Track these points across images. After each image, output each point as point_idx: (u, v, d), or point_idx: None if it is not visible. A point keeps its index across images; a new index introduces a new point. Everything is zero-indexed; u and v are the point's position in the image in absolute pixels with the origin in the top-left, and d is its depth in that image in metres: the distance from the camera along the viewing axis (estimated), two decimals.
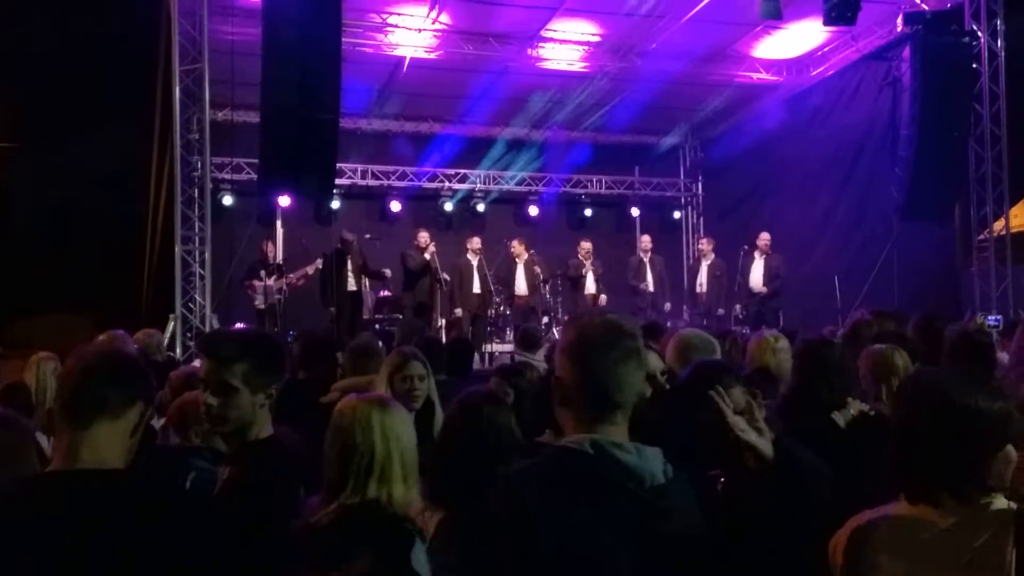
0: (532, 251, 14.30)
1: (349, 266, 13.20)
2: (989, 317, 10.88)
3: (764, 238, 13.71)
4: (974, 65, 12.15)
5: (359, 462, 2.65)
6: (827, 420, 3.67)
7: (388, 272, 13.54)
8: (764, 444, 2.36)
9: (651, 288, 14.52)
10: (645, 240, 15.11)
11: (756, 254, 13.72)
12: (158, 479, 2.43)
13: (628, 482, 1.99)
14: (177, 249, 10.71)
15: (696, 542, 2.06)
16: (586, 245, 14.64)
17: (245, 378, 2.70)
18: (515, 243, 14.31)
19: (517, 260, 14.18)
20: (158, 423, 4.23)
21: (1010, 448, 2.09)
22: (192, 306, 10.80)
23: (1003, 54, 12.21)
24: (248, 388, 2.69)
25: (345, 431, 2.70)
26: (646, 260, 14.71)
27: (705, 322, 13.93)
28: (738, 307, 13.98)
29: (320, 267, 13.20)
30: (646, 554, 1.97)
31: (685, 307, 15.22)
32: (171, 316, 10.59)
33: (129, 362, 2.42)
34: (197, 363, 7.09)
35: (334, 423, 2.75)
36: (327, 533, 2.58)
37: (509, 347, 12.04)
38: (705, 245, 14.83)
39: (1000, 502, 2.06)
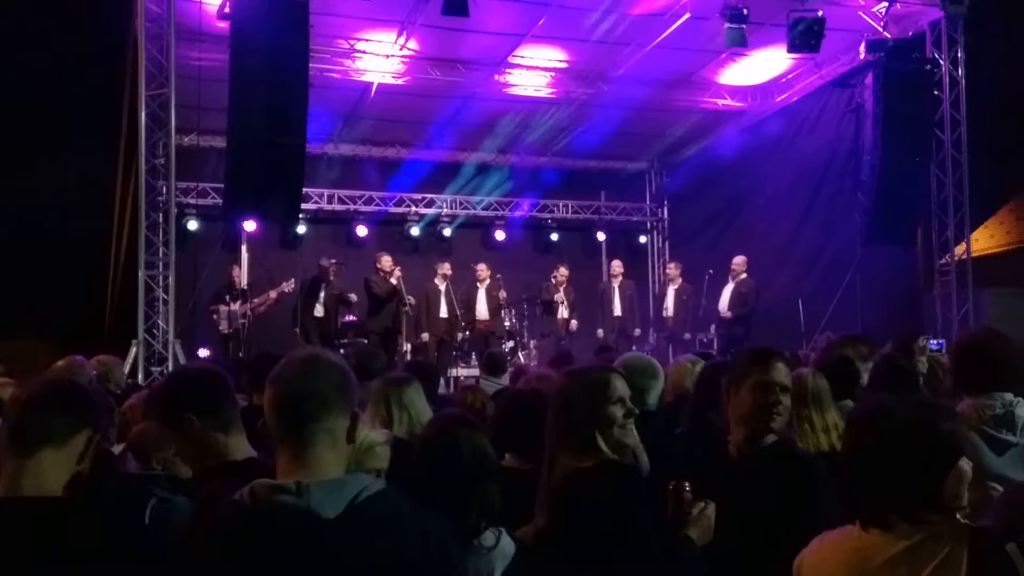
0: (499, 276, 14.30)
1: (322, 293, 13.17)
2: (931, 341, 11.01)
3: (736, 261, 13.69)
4: (935, 92, 12.36)
5: None
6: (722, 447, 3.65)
7: (354, 297, 13.51)
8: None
9: (619, 313, 14.55)
10: (615, 265, 15.15)
11: (730, 277, 13.76)
12: (106, 507, 2.39)
13: (286, 525, 1.90)
14: (140, 274, 10.57)
15: (389, 568, 1.95)
16: (563, 271, 14.66)
17: (158, 416, 2.86)
18: (481, 267, 14.31)
19: (479, 284, 14.18)
20: (117, 449, 4.15)
21: (963, 463, 2.11)
22: (155, 331, 10.67)
23: (964, 81, 12.43)
24: (164, 421, 2.79)
25: None
26: (615, 285, 14.74)
27: (671, 347, 13.99)
28: (712, 328, 14.05)
29: (284, 292, 13.17)
30: None
31: (651, 331, 15.25)
32: (134, 341, 10.45)
33: (76, 390, 2.43)
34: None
35: None
36: None
37: (474, 371, 12.01)
38: (673, 270, 14.88)
39: (954, 523, 2.07)
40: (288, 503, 1.91)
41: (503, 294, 14.20)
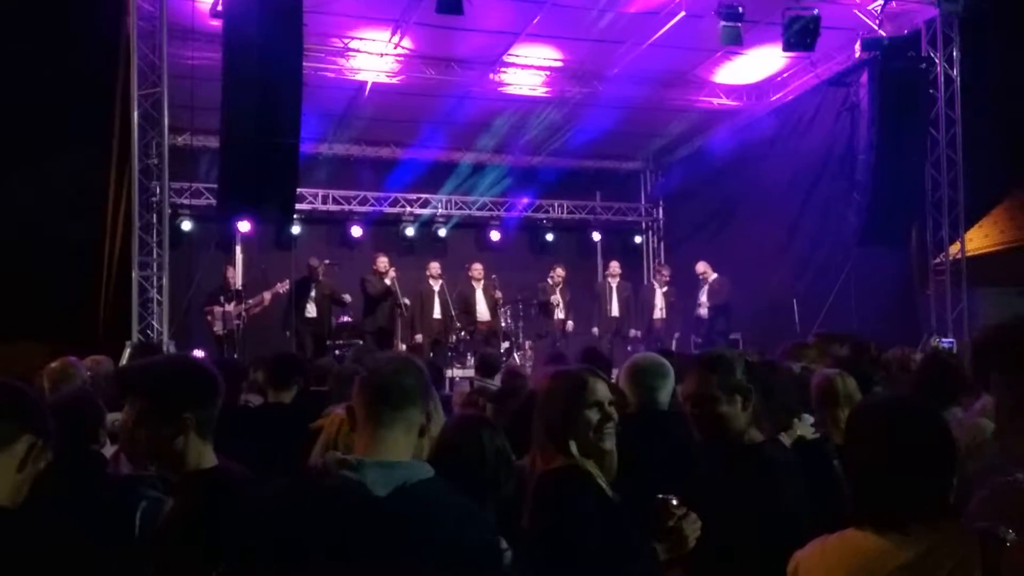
0: (494, 276, 14.27)
1: (312, 293, 13.10)
2: (943, 340, 11.00)
3: (699, 268, 14.04)
4: (930, 91, 12.34)
5: None
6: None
7: (348, 298, 13.47)
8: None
9: (616, 314, 14.54)
10: (614, 266, 15.14)
11: (701, 281, 13.97)
12: (47, 517, 2.26)
13: (343, 497, 2.14)
14: (134, 275, 10.51)
15: (430, 548, 2.12)
16: (560, 271, 14.65)
17: (145, 410, 2.60)
18: (476, 267, 14.27)
19: (475, 285, 14.15)
20: (110, 451, 4.11)
21: None
22: (149, 333, 10.61)
23: (958, 80, 12.41)
24: (154, 417, 2.58)
25: None
26: (612, 286, 14.74)
27: (661, 348, 13.97)
28: (692, 336, 14.17)
29: (279, 293, 13.12)
30: (359, 557, 2.10)
31: (639, 333, 15.08)
32: (127, 343, 10.40)
33: (15, 392, 2.28)
34: None
35: None
36: None
37: (470, 372, 11.97)
38: (665, 274, 15.06)
39: (962, 527, 2.04)
40: (351, 477, 2.15)
41: (498, 294, 14.17)
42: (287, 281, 13.17)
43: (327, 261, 13.87)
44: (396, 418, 2.26)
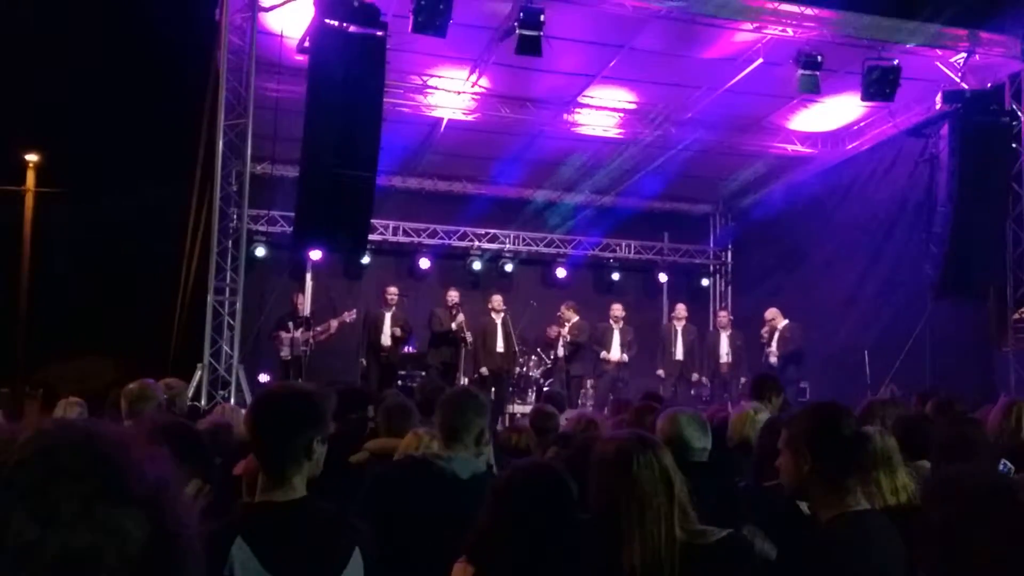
0: (584, 320, 14.31)
1: (388, 322, 13.20)
2: None
3: (769, 313, 13.81)
4: (1013, 145, 12.08)
5: None
6: (791, 505, 3.36)
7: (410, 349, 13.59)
8: None
9: (680, 356, 14.42)
10: (680, 309, 15.05)
11: (770, 329, 13.75)
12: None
13: (439, 477, 3.38)
14: (209, 298, 10.74)
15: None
16: (617, 307, 14.58)
17: None
18: (569, 304, 14.32)
19: (565, 323, 14.15)
20: None
21: None
22: (220, 356, 10.80)
23: None
24: None
25: None
26: (678, 328, 14.63)
27: (726, 394, 13.86)
28: None
29: (345, 321, 13.26)
30: (439, 517, 3.17)
31: (704, 378, 14.95)
32: (199, 365, 10.60)
33: (187, 433, 2.29)
34: (219, 410, 7.09)
35: None
36: None
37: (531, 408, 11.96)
38: (724, 318, 15.01)
39: None
40: (442, 465, 3.42)
41: (581, 336, 14.11)
42: (354, 311, 13.32)
43: (398, 292, 14.03)
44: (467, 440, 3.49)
